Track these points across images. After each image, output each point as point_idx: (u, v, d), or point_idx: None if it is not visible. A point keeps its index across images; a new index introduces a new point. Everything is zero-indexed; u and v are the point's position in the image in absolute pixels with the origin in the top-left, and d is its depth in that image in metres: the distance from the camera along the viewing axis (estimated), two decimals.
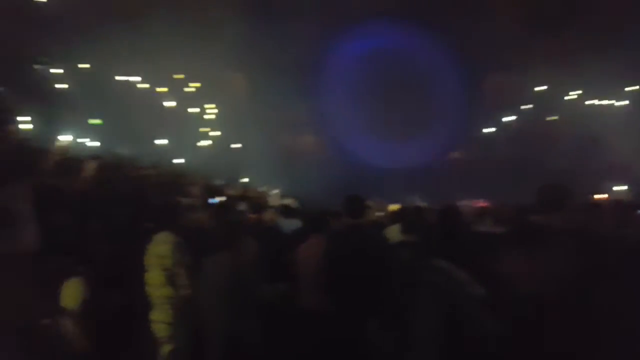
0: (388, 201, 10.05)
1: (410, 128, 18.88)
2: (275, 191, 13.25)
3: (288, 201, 10.77)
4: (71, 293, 3.89)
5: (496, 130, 19.62)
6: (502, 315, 2.69)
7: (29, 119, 10.40)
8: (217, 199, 9.34)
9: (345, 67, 19.29)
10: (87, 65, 15.99)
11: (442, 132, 18.82)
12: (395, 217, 6.00)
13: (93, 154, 10.46)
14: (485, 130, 19.61)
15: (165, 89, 18.27)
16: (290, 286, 4.63)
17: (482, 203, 12.25)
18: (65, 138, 11.74)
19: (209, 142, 19.08)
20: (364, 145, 18.76)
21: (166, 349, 4.14)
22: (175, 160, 16.27)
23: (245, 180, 14.89)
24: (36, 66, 14.87)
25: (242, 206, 8.73)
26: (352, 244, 3.98)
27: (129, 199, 5.81)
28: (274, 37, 17.66)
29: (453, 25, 17.92)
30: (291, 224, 6.95)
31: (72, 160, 6.75)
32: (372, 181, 14.81)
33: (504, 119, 19.35)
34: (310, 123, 19.61)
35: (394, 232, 4.78)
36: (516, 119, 19.18)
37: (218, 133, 19.26)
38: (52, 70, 15.22)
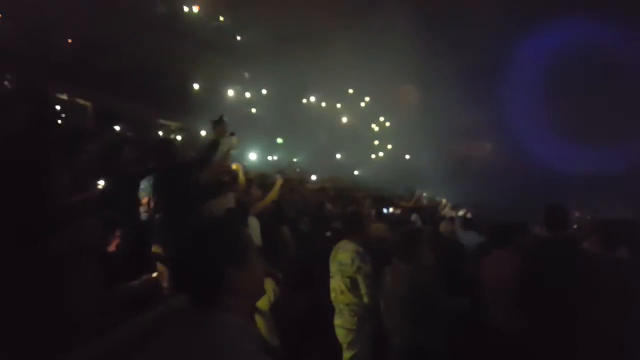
0: (584, 212, 8.89)
1: (609, 131, 16.36)
2: (448, 202, 12.82)
3: (464, 212, 10.33)
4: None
5: None
6: None
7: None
8: (391, 210, 9.42)
9: (527, 67, 17.65)
10: (270, 91, 17.81)
11: None
12: (596, 230, 5.25)
13: (279, 169, 11.55)
14: None
15: (340, 106, 19.26)
16: (473, 300, 4.38)
17: None
18: (253, 156, 13.19)
19: (382, 154, 19.43)
20: (551, 151, 16.80)
21: (348, 354, 4.25)
22: (352, 173, 16.98)
23: (420, 190, 14.73)
24: (230, 93, 17.09)
25: (415, 217, 8.66)
26: (555, 259, 3.57)
27: (312, 209, 6.19)
28: (446, 42, 17.18)
29: None
30: (470, 236, 6.63)
31: (263, 176, 7.54)
32: (562, 190, 13.16)
33: None
34: (487, 129, 18.50)
35: (593, 247, 4.20)
36: None
37: (390, 145, 19.48)
38: (245, 95, 17.33)
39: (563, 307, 3.32)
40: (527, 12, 16.91)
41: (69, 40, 13.73)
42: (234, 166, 5.41)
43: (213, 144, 3.94)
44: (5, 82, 9.54)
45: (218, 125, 4.01)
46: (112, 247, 3.26)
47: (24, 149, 2.45)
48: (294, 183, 8.73)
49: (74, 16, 13.09)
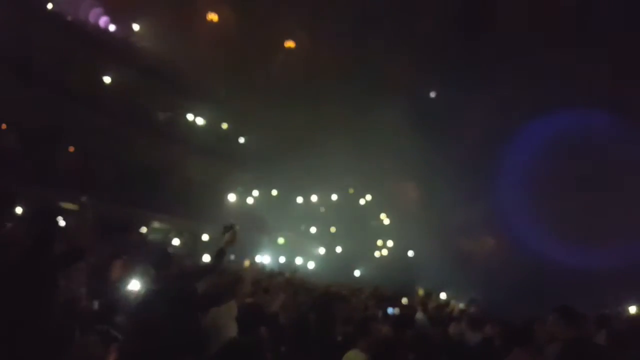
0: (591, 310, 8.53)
1: (611, 226, 15.93)
2: (453, 298, 12.42)
3: (473, 310, 9.95)
4: None
5: None
6: None
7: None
8: (394, 310, 9.06)
9: (526, 161, 17.80)
10: (272, 192, 18.14)
11: None
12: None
13: (279, 271, 11.36)
14: None
15: (339, 203, 19.45)
16: None
17: None
18: (258, 259, 13.09)
19: (385, 251, 19.26)
20: (554, 246, 16.35)
21: None
22: (355, 272, 16.75)
23: (424, 288, 14.36)
24: (232, 196, 17.36)
25: (421, 316, 8.29)
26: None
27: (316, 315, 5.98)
28: (442, 140, 17.72)
29: None
30: (478, 337, 6.37)
31: (264, 280, 7.39)
32: (566, 286, 12.73)
33: None
34: (488, 224, 18.43)
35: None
36: None
37: (391, 242, 19.39)
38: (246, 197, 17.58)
39: None
40: (527, 107, 17.50)
41: (71, 149, 14.06)
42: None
43: (220, 253, 3.85)
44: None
45: (229, 232, 3.87)
46: None
47: (29, 267, 2.44)
48: (297, 285, 8.48)
49: (76, 125, 13.56)
